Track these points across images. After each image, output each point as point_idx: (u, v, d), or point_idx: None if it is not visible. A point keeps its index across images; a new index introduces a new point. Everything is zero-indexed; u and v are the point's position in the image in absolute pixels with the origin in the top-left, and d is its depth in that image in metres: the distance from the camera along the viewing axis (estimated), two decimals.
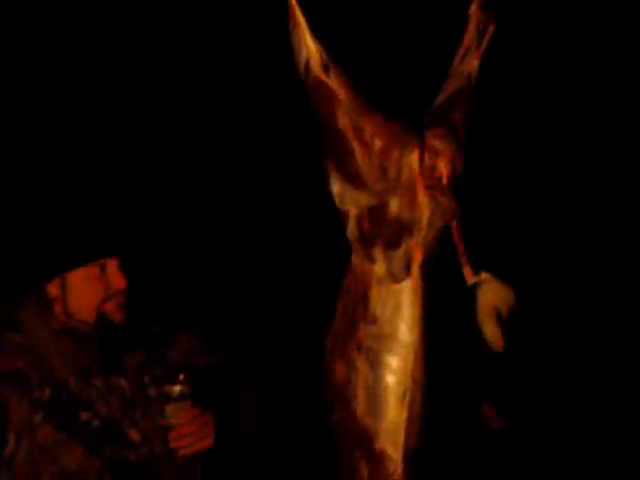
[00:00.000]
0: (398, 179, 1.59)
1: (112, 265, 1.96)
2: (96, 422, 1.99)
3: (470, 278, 1.48)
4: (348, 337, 1.69)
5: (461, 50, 1.74)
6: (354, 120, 1.59)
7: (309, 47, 1.60)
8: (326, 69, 1.60)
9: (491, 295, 1.45)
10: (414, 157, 1.58)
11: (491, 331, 1.43)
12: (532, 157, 2.03)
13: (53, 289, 2.00)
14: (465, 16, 1.76)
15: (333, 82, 1.59)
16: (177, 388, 1.93)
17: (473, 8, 1.75)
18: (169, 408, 1.92)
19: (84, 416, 1.98)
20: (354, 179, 1.62)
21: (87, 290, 1.97)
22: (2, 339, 1.99)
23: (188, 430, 1.93)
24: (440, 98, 1.71)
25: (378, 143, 1.59)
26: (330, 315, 1.74)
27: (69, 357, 2.00)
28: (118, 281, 1.96)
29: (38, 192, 1.96)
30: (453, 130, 1.64)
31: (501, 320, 1.43)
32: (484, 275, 1.47)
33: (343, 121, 1.60)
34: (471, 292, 1.47)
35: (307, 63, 1.60)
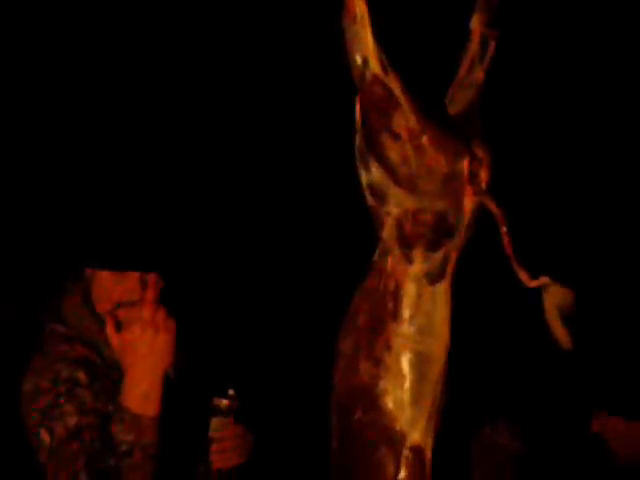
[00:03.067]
0: (448, 184, 1.63)
1: (133, 277, 1.89)
2: None
3: (530, 282, 1.56)
4: (375, 336, 1.70)
5: (465, 62, 1.80)
6: (410, 122, 1.59)
7: (369, 45, 1.57)
8: (384, 69, 1.59)
9: (556, 297, 1.55)
10: (464, 164, 1.62)
11: (560, 331, 1.53)
12: (567, 162, 2.15)
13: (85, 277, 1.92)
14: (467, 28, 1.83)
15: (392, 82, 1.58)
16: (224, 402, 1.89)
17: (475, 23, 1.81)
18: (214, 421, 1.89)
19: None
20: (403, 181, 1.62)
21: (105, 288, 1.89)
22: (51, 332, 1.88)
23: (228, 445, 1.91)
24: (454, 109, 1.76)
25: (432, 147, 1.60)
26: (338, 317, 1.74)
27: None
28: (133, 292, 1.89)
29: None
30: (483, 139, 1.71)
31: (566, 320, 1.54)
32: (544, 279, 1.56)
33: (399, 123, 1.59)
34: (533, 295, 1.55)
35: (365, 60, 1.58)
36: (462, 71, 1.78)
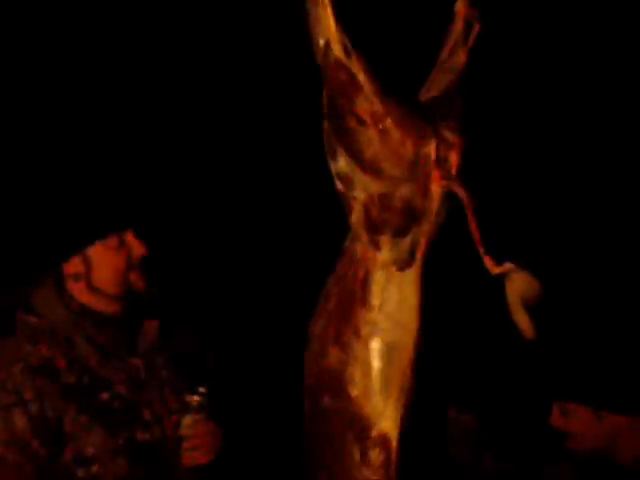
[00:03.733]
0: (413, 168, 1.60)
1: (130, 235, 1.92)
2: (116, 403, 1.95)
3: (494, 268, 1.52)
4: (344, 322, 1.68)
5: (448, 45, 1.76)
6: (374, 106, 1.57)
7: (331, 28, 1.55)
8: (347, 52, 1.57)
9: (519, 284, 1.50)
10: (431, 147, 1.59)
11: (523, 320, 1.49)
12: (536, 149, 2.11)
13: (73, 267, 1.96)
14: (450, 10, 1.79)
15: (354, 66, 1.56)
16: (196, 399, 1.90)
17: (459, 5, 1.77)
18: (186, 419, 1.89)
19: (104, 397, 1.94)
20: (368, 165, 1.60)
21: (110, 261, 1.92)
22: (22, 322, 1.91)
23: (198, 443, 1.91)
24: (433, 91, 1.73)
25: (396, 131, 1.58)
26: (311, 302, 1.73)
27: (89, 338, 1.97)
28: (139, 248, 1.93)
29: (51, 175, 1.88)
30: (458, 123, 1.67)
31: (529, 308, 1.49)
32: (509, 265, 1.52)
33: (362, 106, 1.57)
34: (495, 282, 1.51)
35: (327, 44, 1.56)
36: (444, 54, 1.75)
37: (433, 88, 1.73)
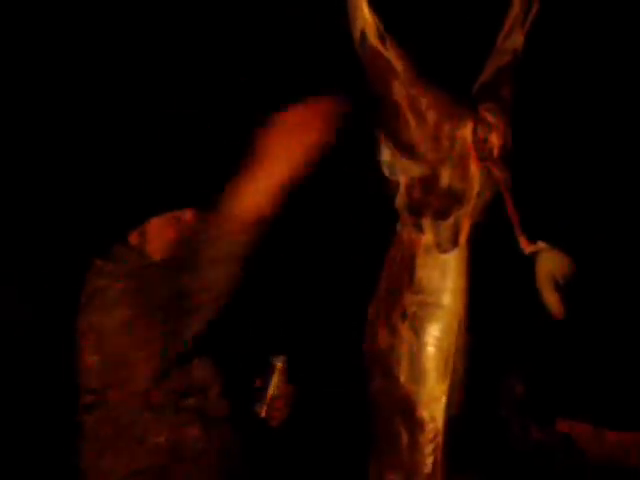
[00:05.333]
0: (451, 150, 1.62)
1: (189, 213, 2.01)
2: None
3: (527, 247, 1.52)
4: (392, 305, 1.72)
5: (506, 26, 1.76)
6: (410, 91, 1.61)
7: (366, 17, 1.61)
8: (382, 39, 1.61)
9: (549, 263, 1.49)
10: (467, 129, 1.61)
11: (551, 298, 1.47)
12: (581, 131, 2.08)
13: (134, 238, 2.04)
14: None
15: (389, 52, 1.60)
16: (281, 362, 1.98)
17: None
18: (274, 380, 1.97)
19: None
20: (406, 149, 1.64)
21: (164, 235, 2.00)
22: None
23: (283, 403, 1.99)
24: (487, 73, 1.74)
25: (432, 114, 1.61)
26: (373, 284, 1.77)
27: None
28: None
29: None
30: (503, 105, 1.67)
31: (559, 287, 1.48)
32: (541, 244, 1.51)
33: (398, 92, 1.61)
34: (528, 261, 1.50)
35: (363, 33, 1.62)
36: (501, 36, 1.75)
37: (488, 70, 1.74)
